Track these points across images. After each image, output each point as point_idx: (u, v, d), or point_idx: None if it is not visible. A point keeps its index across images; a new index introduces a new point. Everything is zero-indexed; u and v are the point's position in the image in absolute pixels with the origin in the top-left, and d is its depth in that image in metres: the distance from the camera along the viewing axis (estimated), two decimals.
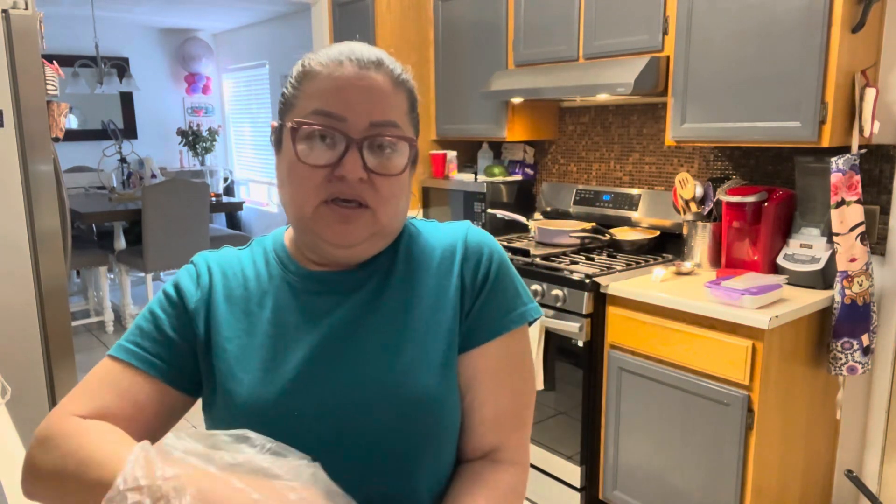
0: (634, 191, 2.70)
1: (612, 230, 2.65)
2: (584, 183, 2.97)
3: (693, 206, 2.37)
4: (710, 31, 2.10)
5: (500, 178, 3.06)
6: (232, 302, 0.83)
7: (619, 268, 2.33)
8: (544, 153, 3.14)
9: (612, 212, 2.76)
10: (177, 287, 0.83)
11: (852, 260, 1.93)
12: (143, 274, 4.62)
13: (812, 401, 2.08)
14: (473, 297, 0.83)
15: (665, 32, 2.22)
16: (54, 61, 2.39)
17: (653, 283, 2.16)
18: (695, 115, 2.17)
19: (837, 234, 1.94)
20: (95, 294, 4.83)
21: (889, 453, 2.13)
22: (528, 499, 2.51)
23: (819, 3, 1.84)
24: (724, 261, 2.27)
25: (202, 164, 6.35)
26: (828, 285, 2.04)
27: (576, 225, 2.75)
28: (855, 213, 1.92)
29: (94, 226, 5.02)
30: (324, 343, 0.79)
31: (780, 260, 2.14)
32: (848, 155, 1.91)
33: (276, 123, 0.83)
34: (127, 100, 6.14)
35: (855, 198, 1.92)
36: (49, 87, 2.25)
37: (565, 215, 2.95)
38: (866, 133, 1.93)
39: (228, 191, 6.60)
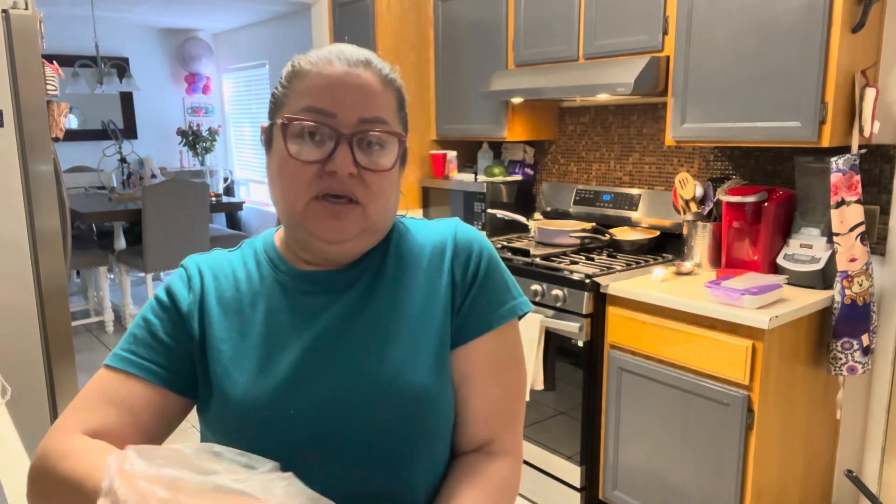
0: (634, 191, 2.70)
1: (612, 230, 2.65)
2: (584, 183, 2.97)
3: (693, 206, 2.37)
4: (710, 31, 2.10)
5: (500, 178, 3.06)
6: (224, 304, 0.83)
7: (619, 268, 2.33)
8: (544, 153, 3.14)
9: (612, 212, 2.76)
10: (169, 292, 0.84)
11: (852, 260, 1.93)
12: (143, 274, 4.62)
13: (812, 401, 2.08)
14: (464, 294, 0.84)
15: (665, 32, 2.22)
16: (54, 61, 2.39)
17: (653, 283, 2.16)
18: (695, 115, 2.17)
19: (837, 234, 1.94)
20: (95, 294, 4.83)
21: (889, 453, 2.13)
22: (528, 499, 2.51)
23: (819, 3, 1.84)
24: (724, 261, 2.27)
25: (202, 164, 6.35)
26: (828, 285, 2.04)
27: (576, 225, 2.75)
28: (855, 213, 1.92)
29: (94, 226, 5.02)
30: (316, 342, 0.79)
31: (780, 260, 2.14)
32: (848, 155, 1.91)
33: (266, 124, 0.84)
34: (127, 100, 6.14)
35: (855, 198, 1.92)
36: (49, 87, 2.25)
37: (565, 215, 2.95)
38: (866, 133, 1.93)
39: (228, 191, 6.60)
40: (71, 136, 5.81)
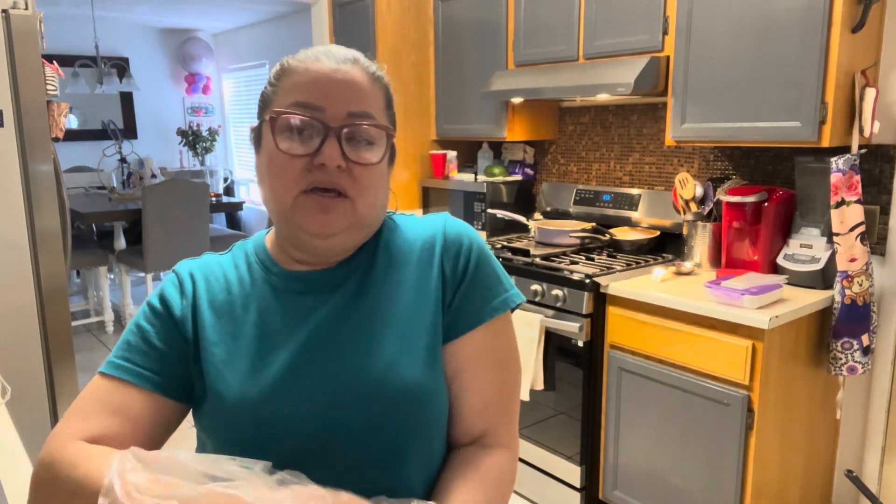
0: (634, 191, 2.70)
1: (612, 230, 2.65)
2: (584, 183, 2.97)
3: (693, 206, 2.37)
4: (710, 31, 2.10)
5: (500, 178, 3.06)
6: (216, 307, 0.83)
7: (619, 268, 2.33)
8: (544, 153, 3.14)
9: (612, 212, 2.76)
10: (161, 297, 0.84)
11: (852, 260, 1.93)
12: (143, 274, 4.62)
13: (812, 401, 2.08)
14: (455, 288, 0.84)
15: (665, 32, 2.22)
16: (54, 61, 2.39)
17: (653, 283, 2.16)
18: (695, 115, 2.17)
19: (837, 234, 1.94)
20: (95, 294, 4.83)
21: (889, 453, 2.13)
22: (528, 499, 2.51)
23: (819, 3, 1.84)
24: (724, 261, 2.27)
25: (202, 164, 6.35)
26: (828, 285, 2.04)
27: (576, 225, 2.75)
28: (855, 213, 1.92)
29: (94, 226, 5.02)
30: (308, 342, 0.80)
31: (780, 260, 2.14)
32: (848, 155, 1.91)
33: (255, 124, 0.84)
34: (127, 100, 6.14)
35: (855, 198, 1.92)
36: (49, 87, 2.25)
37: (565, 215, 2.95)
38: (866, 133, 1.93)
39: (228, 191, 6.60)
40: (71, 136, 5.81)
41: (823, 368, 2.09)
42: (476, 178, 3.08)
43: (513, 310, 0.87)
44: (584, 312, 2.22)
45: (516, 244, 2.71)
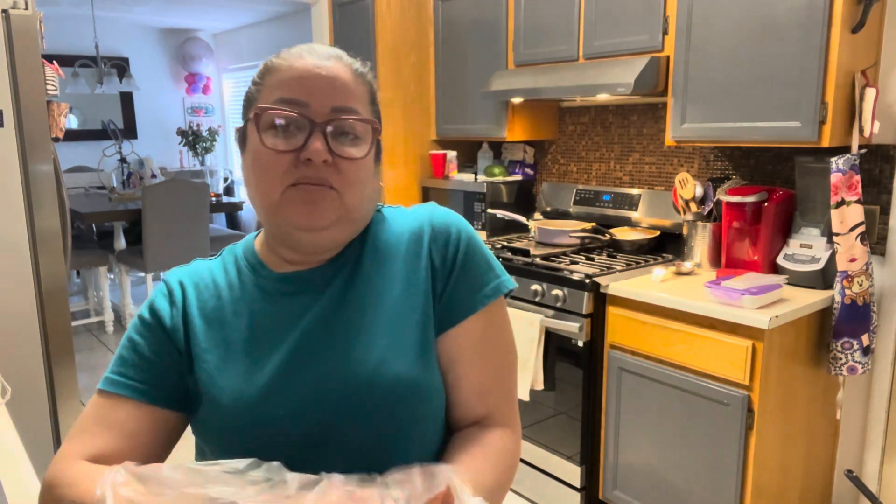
0: (634, 191, 2.70)
1: (612, 230, 2.65)
2: (584, 183, 2.97)
3: (693, 206, 2.37)
4: (710, 31, 2.10)
5: (500, 178, 3.06)
6: (206, 314, 0.83)
7: (619, 268, 2.33)
8: (544, 153, 3.14)
9: (612, 212, 2.76)
10: (151, 309, 0.84)
11: (852, 260, 1.93)
12: (143, 274, 4.62)
13: (812, 401, 2.08)
14: (445, 278, 0.84)
15: (665, 32, 2.22)
16: (54, 61, 2.39)
17: (653, 283, 2.16)
18: (695, 115, 2.17)
19: (837, 234, 1.94)
20: (95, 294, 4.83)
21: (889, 453, 2.13)
22: (528, 499, 2.51)
23: (819, 3, 1.84)
24: (724, 261, 2.27)
25: (202, 164, 6.35)
26: (828, 285, 2.04)
27: (576, 225, 2.75)
28: (855, 213, 1.92)
29: (94, 226, 5.02)
30: (300, 342, 0.79)
31: (780, 260, 2.14)
32: (848, 155, 1.91)
33: (240, 126, 0.84)
34: (127, 100, 6.14)
35: (855, 198, 1.92)
36: (49, 87, 2.25)
37: (565, 215, 2.95)
38: (866, 133, 1.93)
39: (228, 191, 6.60)
40: (71, 136, 5.82)
41: (823, 368, 2.09)
42: (476, 178, 3.08)
43: (506, 295, 0.87)
44: (584, 312, 2.22)
45: (516, 244, 2.71)
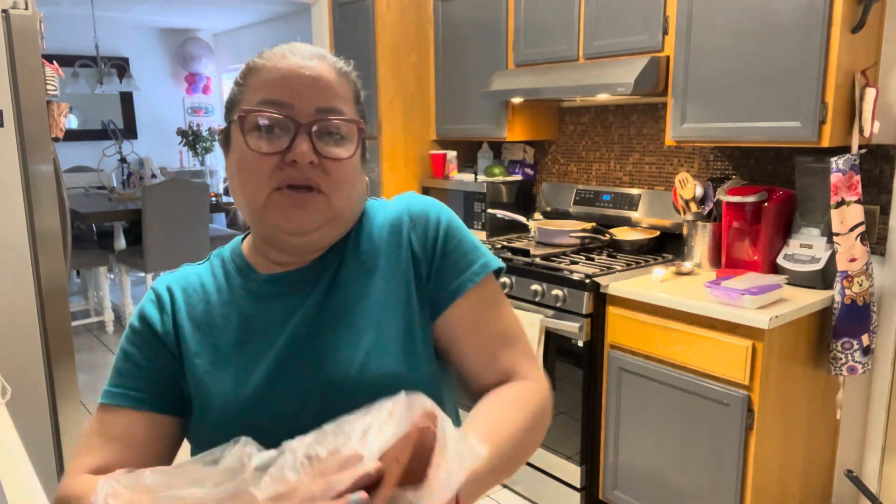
0: (634, 191, 2.70)
1: (612, 230, 2.65)
2: (584, 183, 2.97)
3: (693, 206, 2.37)
4: (710, 31, 2.10)
5: (500, 178, 3.06)
6: (196, 318, 0.83)
7: (619, 268, 2.33)
8: (544, 153, 3.14)
9: (612, 212, 2.76)
10: (141, 317, 0.84)
11: (852, 260, 1.93)
12: (143, 274, 4.62)
13: (812, 401, 2.08)
14: (428, 263, 0.83)
15: (665, 32, 2.22)
16: (54, 61, 2.39)
17: (653, 283, 2.16)
18: (695, 115, 2.17)
19: (837, 234, 1.94)
20: (95, 294, 4.83)
21: (889, 453, 2.13)
22: (528, 499, 2.51)
23: (819, 3, 1.84)
24: (724, 261, 2.27)
25: (202, 164, 6.35)
26: (828, 285, 2.04)
27: (576, 225, 2.75)
28: (855, 213, 1.92)
29: (94, 226, 5.02)
30: (289, 343, 0.79)
31: (780, 260, 2.14)
32: (848, 155, 1.91)
33: (222, 126, 0.83)
34: (127, 100, 6.14)
35: (855, 198, 1.92)
36: (49, 87, 2.25)
37: (565, 215, 2.95)
38: (866, 133, 1.93)
39: (228, 191, 6.60)
40: (71, 136, 5.82)
41: (823, 368, 2.09)
42: (476, 178, 3.08)
43: (497, 275, 0.86)
44: (584, 312, 2.22)
45: (516, 244, 2.71)
